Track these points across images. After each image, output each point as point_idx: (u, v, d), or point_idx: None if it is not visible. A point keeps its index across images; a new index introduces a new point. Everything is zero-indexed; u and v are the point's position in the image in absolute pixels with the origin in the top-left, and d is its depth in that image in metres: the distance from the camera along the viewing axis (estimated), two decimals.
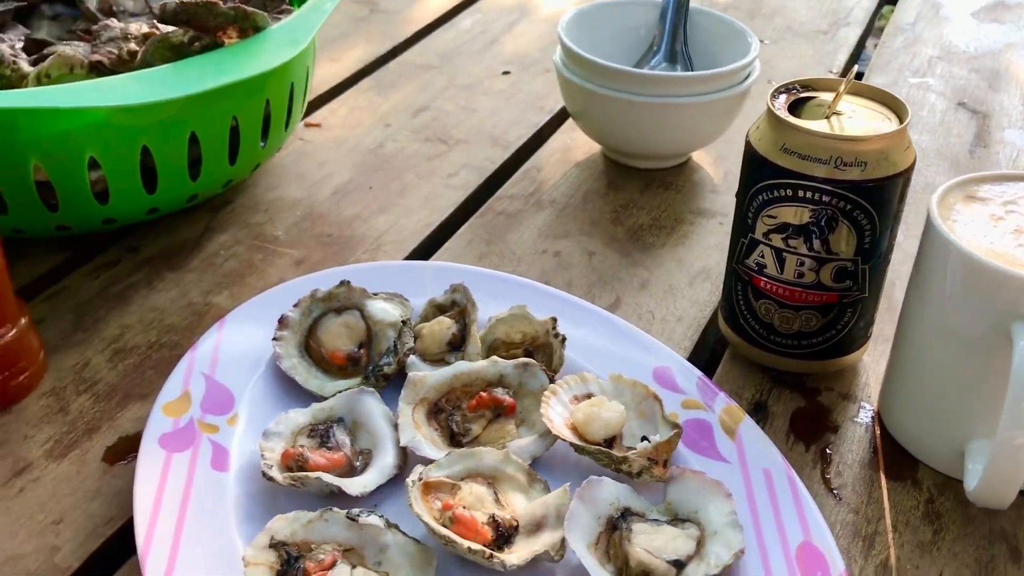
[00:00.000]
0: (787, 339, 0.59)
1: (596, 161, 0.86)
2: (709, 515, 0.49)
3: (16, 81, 0.65)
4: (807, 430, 0.58)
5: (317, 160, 0.86)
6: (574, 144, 0.89)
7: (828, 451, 0.57)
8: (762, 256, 0.58)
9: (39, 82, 0.64)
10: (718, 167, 0.86)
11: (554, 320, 0.59)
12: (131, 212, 0.70)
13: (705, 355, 0.65)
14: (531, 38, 1.11)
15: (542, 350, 0.59)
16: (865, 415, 0.59)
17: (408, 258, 0.74)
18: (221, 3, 0.66)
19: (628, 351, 0.60)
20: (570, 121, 0.92)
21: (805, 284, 0.57)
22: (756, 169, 0.57)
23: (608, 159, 0.86)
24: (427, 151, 0.88)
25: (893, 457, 0.56)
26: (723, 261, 0.72)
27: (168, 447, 0.52)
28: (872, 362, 0.63)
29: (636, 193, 0.81)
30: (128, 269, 0.71)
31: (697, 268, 0.72)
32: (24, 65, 0.65)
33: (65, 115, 0.62)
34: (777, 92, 0.58)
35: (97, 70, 0.67)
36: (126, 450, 0.57)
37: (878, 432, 0.58)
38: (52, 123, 0.62)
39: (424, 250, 0.75)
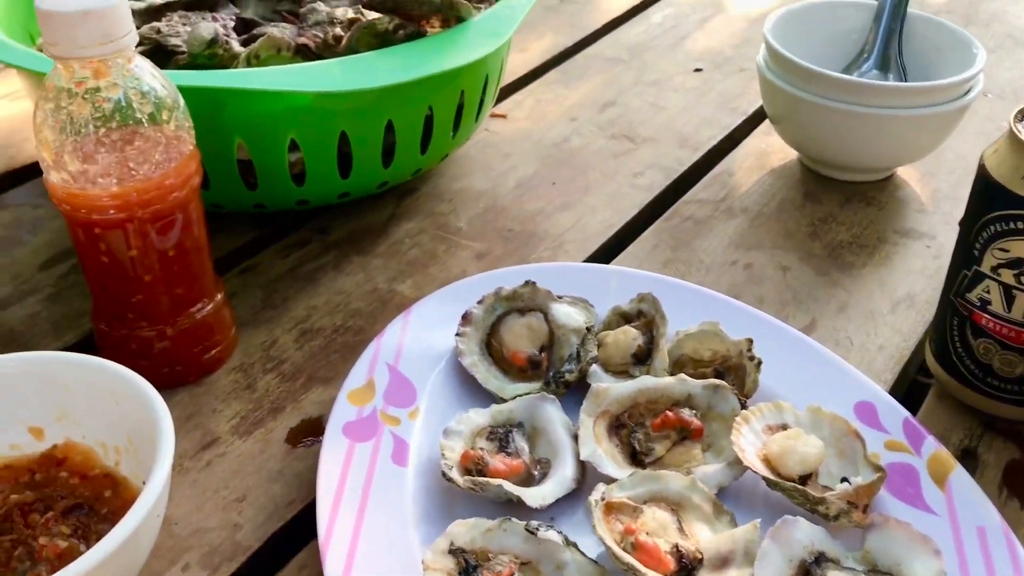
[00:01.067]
0: (1006, 383, 0.54)
1: (792, 169, 0.82)
2: (915, 571, 0.45)
3: (227, 60, 0.66)
4: (1023, 485, 0.53)
5: (502, 151, 0.85)
6: (769, 149, 0.85)
7: None
8: (987, 291, 0.53)
9: (248, 63, 0.66)
10: (925, 184, 0.80)
11: (749, 341, 0.56)
12: (324, 195, 0.71)
13: (907, 390, 0.60)
14: (725, 35, 1.06)
15: (733, 372, 0.56)
16: None
17: (590, 259, 0.72)
18: None
19: (827, 381, 0.56)
20: (765, 125, 0.88)
21: None
22: (990, 196, 0.52)
23: (806, 167, 0.81)
24: (613, 148, 0.85)
25: None
26: (931, 288, 0.67)
27: (352, 436, 0.53)
28: None
29: (835, 207, 0.77)
30: (317, 250, 0.72)
31: (901, 294, 0.67)
32: (235, 45, 0.67)
33: (270, 97, 0.63)
34: (1021, 114, 0.52)
35: (303, 53, 0.68)
36: (307, 432, 0.57)
37: None
38: (258, 104, 0.63)
39: (607, 251, 0.73)
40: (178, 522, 0.51)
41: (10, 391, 0.50)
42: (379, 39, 0.66)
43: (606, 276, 0.64)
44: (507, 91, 0.95)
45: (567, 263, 0.67)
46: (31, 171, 0.82)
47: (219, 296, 0.61)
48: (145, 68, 0.52)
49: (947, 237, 0.73)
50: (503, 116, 0.90)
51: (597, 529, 0.46)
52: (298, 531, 0.52)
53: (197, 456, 0.55)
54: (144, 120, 0.52)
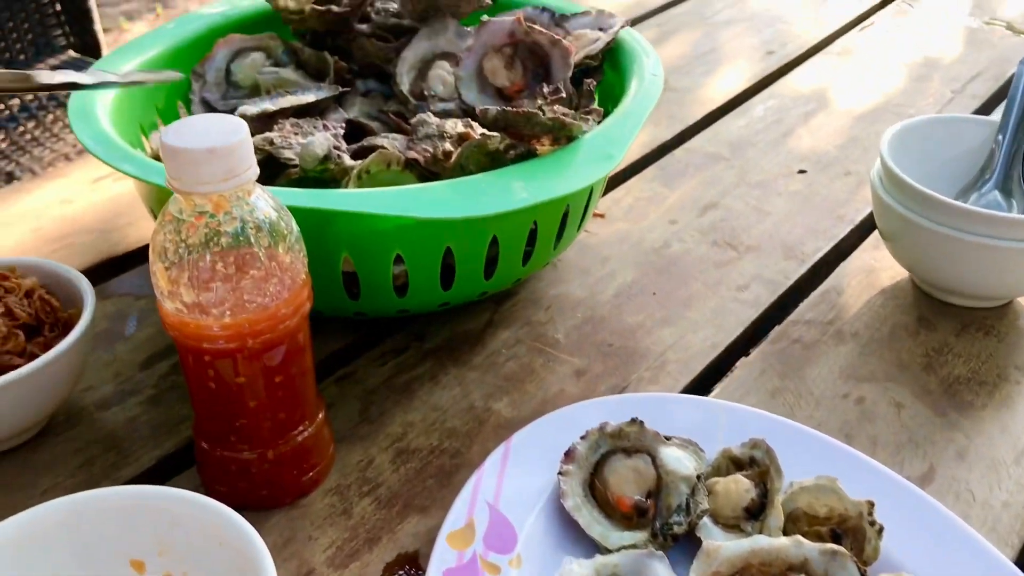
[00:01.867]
0: None
1: (904, 289, 0.79)
2: None
3: (339, 174, 0.66)
4: None
5: (600, 255, 0.83)
6: (879, 266, 0.82)
7: None
8: None
9: (359, 178, 0.66)
10: None
11: (871, 504, 0.53)
12: (424, 305, 0.70)
13: None
14: (829, 132, 1.04)
15: (852, 534, 0.54)
16: None
17: (694, 382, 0.70)
18: (541, 114, 0.64)
19: (954, 553, 0.53)
20: (874, 237, 0.85)
21: None
22: None
23: (918, 288, 0.78)
24: (715, 256, 0.83)
25: None
26: None
27: None
28: None
29: (951, 335, 0.73)
30: (414, 359, 0.71)
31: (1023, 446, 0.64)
32: (346, 159, 0.67)
33: (381, 216, 0.63)
34: None
35: (413, 167, 0.67)
36: (402, 565, 0.56)
37: None
38: (367, 223, 0.63)
39: (710, 374, 0.71)
40: None
41: (116, 523, 0.49)
42: (489, 158, 0.66)
43: (714, 412, 0.62)
44: (605, 187, 0.93)
45: (673, 396, 0.64)
46: (136, 258, 0.83)
47: (320, 416, 0.60)
48: (263, 198, 0.52)
49: None
50: (601, 216, 0.89)
51: None
52: None
53: None
54: (260, 251, 0.51)
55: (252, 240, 0.51)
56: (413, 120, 0.71)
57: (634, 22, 1.31)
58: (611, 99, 0.79)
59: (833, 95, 1.12)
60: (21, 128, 1.65)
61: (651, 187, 0.94)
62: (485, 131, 0.68)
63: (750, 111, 1.08)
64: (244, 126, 0.50)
